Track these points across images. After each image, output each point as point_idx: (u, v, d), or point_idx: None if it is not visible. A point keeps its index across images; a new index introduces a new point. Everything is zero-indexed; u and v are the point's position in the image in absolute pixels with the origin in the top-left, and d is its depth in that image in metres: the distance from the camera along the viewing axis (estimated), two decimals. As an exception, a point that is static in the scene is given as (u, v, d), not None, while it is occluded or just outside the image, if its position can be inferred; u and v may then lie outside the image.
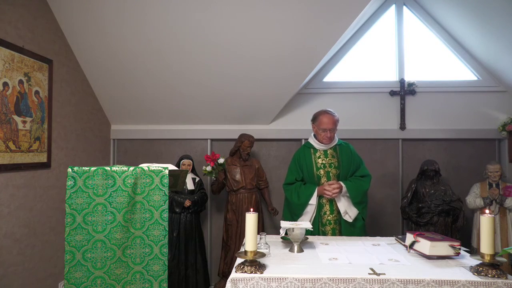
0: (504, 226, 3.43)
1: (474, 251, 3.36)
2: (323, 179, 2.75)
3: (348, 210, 2.69)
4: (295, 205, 2.72)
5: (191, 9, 2.95)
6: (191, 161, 3.75)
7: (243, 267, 1.75)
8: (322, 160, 2.78)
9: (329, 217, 2.70)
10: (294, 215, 2.74)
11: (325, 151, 2.80)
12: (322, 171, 2.76)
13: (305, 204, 2.68)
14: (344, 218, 2.69)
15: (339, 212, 2.70)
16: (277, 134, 4.13)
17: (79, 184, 1.94)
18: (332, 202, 2.71)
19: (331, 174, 2.75)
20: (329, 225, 2.70)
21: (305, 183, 2.80)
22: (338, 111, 4.02)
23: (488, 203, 3.43)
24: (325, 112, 2.77)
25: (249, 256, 1.76)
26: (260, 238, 2.08)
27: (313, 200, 2.68)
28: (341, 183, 2.68)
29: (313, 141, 2.84)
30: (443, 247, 1.93)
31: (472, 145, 4.05)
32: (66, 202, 1.92)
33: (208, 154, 3.99)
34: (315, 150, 2.82)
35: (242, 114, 3.98)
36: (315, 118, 2.81)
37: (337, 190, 2.63)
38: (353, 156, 2.84)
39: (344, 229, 2.70)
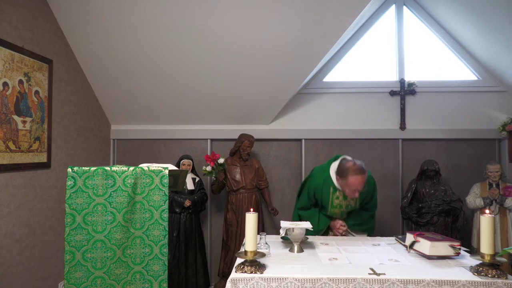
0: (504, 226, 3.43)
1: (474, 251, 3.36)
2: (336, 216, 2.64)
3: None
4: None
5: (191, 9, 2.95)
6: (191, 161, 3.75)
7: (243, 267, 1.75)
8: (339, 201, 2.58)
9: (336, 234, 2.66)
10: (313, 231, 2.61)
11: (344, 193, 2.54)
12: (337, 210, 2.60)
13: (317, 233, 2.59)
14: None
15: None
16: (277, 134, 4.13)
17: (79, 184, 1.94)
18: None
19: (345, 215, 2.64)
20: None
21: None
22: (338, 111, 4.08)
23: (488, 203, 3.43)
24: (354, 173, 2.34)
25: (249, 256, 1.76)
26: (260, 238, 2.08)
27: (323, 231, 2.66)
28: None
29: (335, 181, 2.53)
30: (443, 247, 1.93)
31: (472, 145, 4.05)
32: (66, 202, 1.92)
33: (208, 154, 3.99)
34: (335, 189, 2.55)
35: (242, 114, 3.98)
36: (342, 175, 2.42)
37: (345, 229, 2.61)
38: (369, 192, 2.62)
39: None
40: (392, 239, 2.38)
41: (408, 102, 4.05)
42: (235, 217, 3.69)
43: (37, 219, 2.93)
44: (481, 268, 1.71)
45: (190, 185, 3.70)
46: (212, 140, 4.19)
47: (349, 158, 2.54)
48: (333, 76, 4.17)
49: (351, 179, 2.35)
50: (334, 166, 2.58)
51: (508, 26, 3.22)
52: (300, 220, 2.69)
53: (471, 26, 3.64)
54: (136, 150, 4.24)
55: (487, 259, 1.70)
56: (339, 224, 2.61)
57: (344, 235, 2.61)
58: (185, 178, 2.28)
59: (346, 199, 2.56)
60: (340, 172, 2.45)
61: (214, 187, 3.84)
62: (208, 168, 3.64)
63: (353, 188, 2.37)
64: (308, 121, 4.10)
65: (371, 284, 1.66)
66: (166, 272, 1.99)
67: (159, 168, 2.01)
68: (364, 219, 2.67)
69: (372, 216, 2.71)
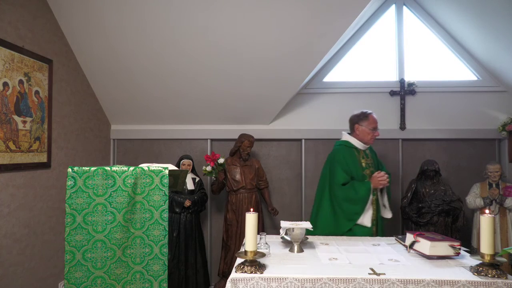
0: (504, 226, 3.43)
1: (474, 251, 3.36)
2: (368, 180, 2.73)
3: (386, 205, 2.76)
4: (358, 201, 2.62)
5: (191, 9, 2.95)
6: (191, 161, 3.75)
7: (243, 267, 1.75)
8: (365, 161, 2.78)
9: (374, 217, 2.71)
10: (354, 214, 2.62)
11: (365, 152, 2.82)
12: (368, 171, 2.75)
13: (367, 198, 2.61)
14: (384, 215, 2.75)
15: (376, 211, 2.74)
16: (277, 134, 4.13)
17: (79, 184, 1.94)
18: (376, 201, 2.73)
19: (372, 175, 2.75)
20: (374, 225, 2.71)
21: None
22: (338, 111, 4.07)
23: (488, 203, 3.43)
24: (370, 112, 2.79)
25: (249, 256, 1.76)
26: (260, 238, 2.08)
27: (371, 195, 2.65)
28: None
29: (354, 141, 2.80)
30: (443, 247, 1.93)
31: (472, 145, 4.05)
32: (66, 202, 1.92)
33: (208, 154, 3.99)
34: (358, 150, 2.80)
35: (242, 114, 3.98)
36: (361, 119, 2.78)
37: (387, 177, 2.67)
38: (376, 155, 2.97)
39: (380, 229, 2.75)
40: (392, 239, 2.38)
41: (408, 102, 4.05)
42: (235, 217, 3.69)
43: (37, 219, 2.93)
44: (481, 268, 1.71)
45: (190, 185, 3.70)
46: (212, 140, 4.19)
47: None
48: (333, 76, 4.16)
49: (371, 117, 2.76)
50: (345, 135, 2.88)
51: (508, 26, 3.22)
52: (334, 200, 2.70)
53: (471, 26, 3.64)
54: (136, 150, 4.24)
55: (487, 259, 1.70)
56: (377, 173, 2.66)
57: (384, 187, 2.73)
58: (185, 178, 2.28)
59: (367, 157, 2.82)
60: (358, 119, 2.80)
61: (214, 187, 3.84)
62: (208, 168, 3.64)
63: (375, 125, 2.76)
64: (308, 121, 4.10)
65: (371, 284, 1.66)
66: (166, 272, 1.99)
67: (159, 168, 2.01)
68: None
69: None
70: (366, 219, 2.63)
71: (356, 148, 2.79)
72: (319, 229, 2.61)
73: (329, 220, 2.68)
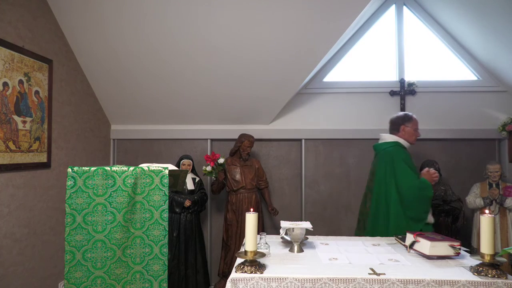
0: (504, 226, 3.43)
1: (474, 251, 3.36)
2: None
3: None
4: (427, 199, 2.67)
5: (191, 10, 2.95)
6: (191, 161, 3.75)
7: (243, 267, 1.75)
8: (413, 160, 2.86)
9: None
10: (424, 213, 2.66)
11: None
12: (417, 170, 2.87)
13: (432, 195, 2.69)
14: None
15: None
16: (277, 134, 4.13)
17: (79, 184, 1.94)
18: None
19: None
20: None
21: None
22: (338, 111, 4.08)
23: (488, 203, 3.43)
24: (411, 114, 2.91)
25: (249, 256, 1.76)
26: (260, 238, 2.08)
27: None
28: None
29: (403, 142, 2.86)
30: (443, 247, 1.93)
31: (472, 145, 4.05)
32: (66, 202, 1.92)
33: (208, 154, 3.99)
34: (405, 148, 2.86)
35: (242, 114, 3.98)
36: (407, 120, 2.86)
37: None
38: None
39: None
40: (392, 239, 2.38)
41: (408, 102, 4.05)
42: (235, 217, 3.69)
43: (37, 219, 2.93)
44: (481, 268, 1.71)
45: (190, 185, 3.70)
46: (212, 140, 4.19)
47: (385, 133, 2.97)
48: (333, 76, 4.17)
49: (414, 119, 2.88)
50: (392, 136, 2.89)
51: (508, 26, 3.22)
52: (419, 195, 2.66)
53: (471, 26, 3.64)
54: (136, 150, 4.24)
55: (487, 259, 1.70)
56: (426, 172, 2.71)
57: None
58: (185, 178, 2.28)
59: (412, 157, 2.87)
60: (403, 120, 2.88)
61: (214, 187, 3.84)
62: (208, 168, 3.64)
63: (417, 126, 2.89)
64: (308, 121, 4.10)
65: (371, 284, 1.66)
66: (166, 272, 1.99)
67: (159, 168, 2.02)
68: None
69: None
70: (430, 216, 2.70)
71: (405, 148, 2.86)
72: (389, 233, 2.60)
73: (402, 223, 2.66)
